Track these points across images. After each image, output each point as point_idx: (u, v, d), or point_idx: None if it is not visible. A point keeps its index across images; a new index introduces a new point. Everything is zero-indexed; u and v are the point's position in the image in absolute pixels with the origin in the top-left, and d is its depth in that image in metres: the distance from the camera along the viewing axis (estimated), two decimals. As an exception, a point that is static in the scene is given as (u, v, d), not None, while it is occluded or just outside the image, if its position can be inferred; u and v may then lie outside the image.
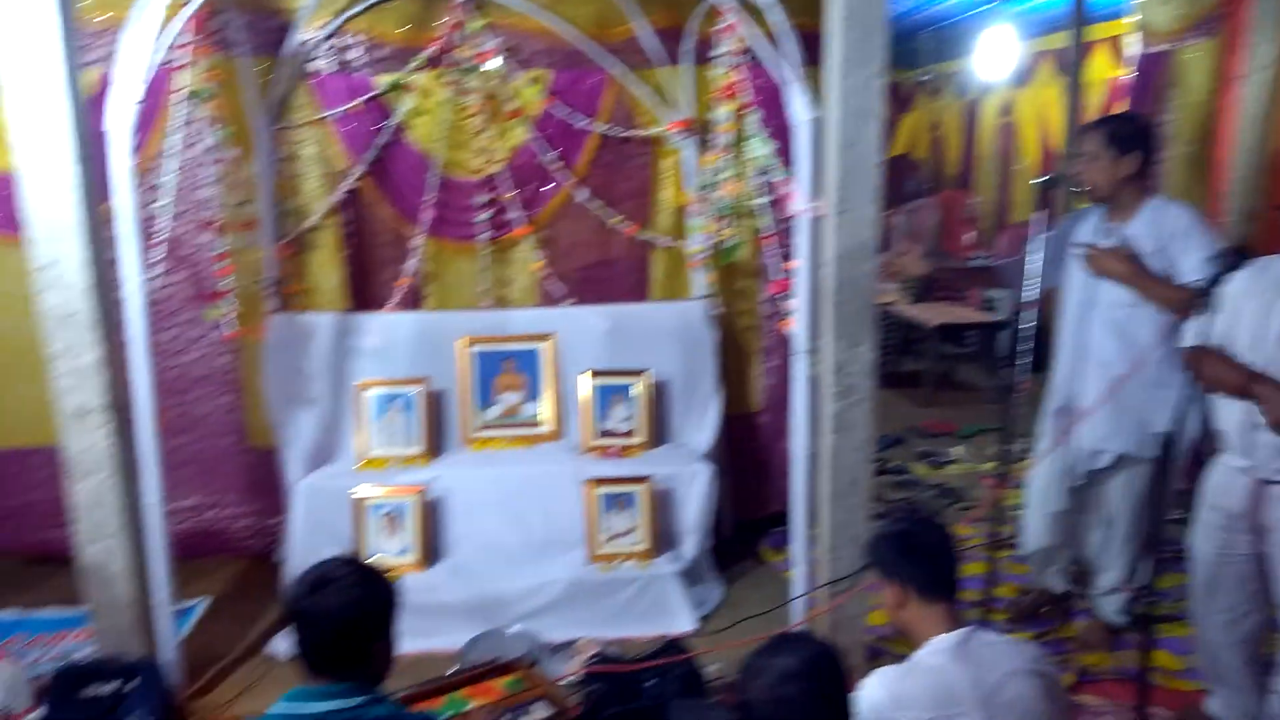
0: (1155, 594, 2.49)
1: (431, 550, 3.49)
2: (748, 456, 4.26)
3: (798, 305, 2.89)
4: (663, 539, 3.57)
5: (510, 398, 3.86)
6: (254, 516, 3.99)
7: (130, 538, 2.72)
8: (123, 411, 2.69)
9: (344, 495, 3.46)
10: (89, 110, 2.58)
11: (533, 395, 3.86)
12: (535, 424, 3.86)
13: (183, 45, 3.02)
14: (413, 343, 3.80)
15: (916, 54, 8.18)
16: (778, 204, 3.65)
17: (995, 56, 7.31)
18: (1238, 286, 2.42)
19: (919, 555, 1.95)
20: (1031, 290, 2.85)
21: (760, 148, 3.08)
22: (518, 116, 3.87)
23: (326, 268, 3.88)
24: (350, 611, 1.72)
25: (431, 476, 3.55)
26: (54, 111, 2.47)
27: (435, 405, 3.78)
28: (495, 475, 3.59)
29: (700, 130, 3.93)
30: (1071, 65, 4.48)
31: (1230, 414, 2.45)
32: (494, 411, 3.84)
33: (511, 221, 3.94)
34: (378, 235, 3.93)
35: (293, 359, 3.72)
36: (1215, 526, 2.54)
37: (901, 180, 9.64)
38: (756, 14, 3.03)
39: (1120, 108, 5.31)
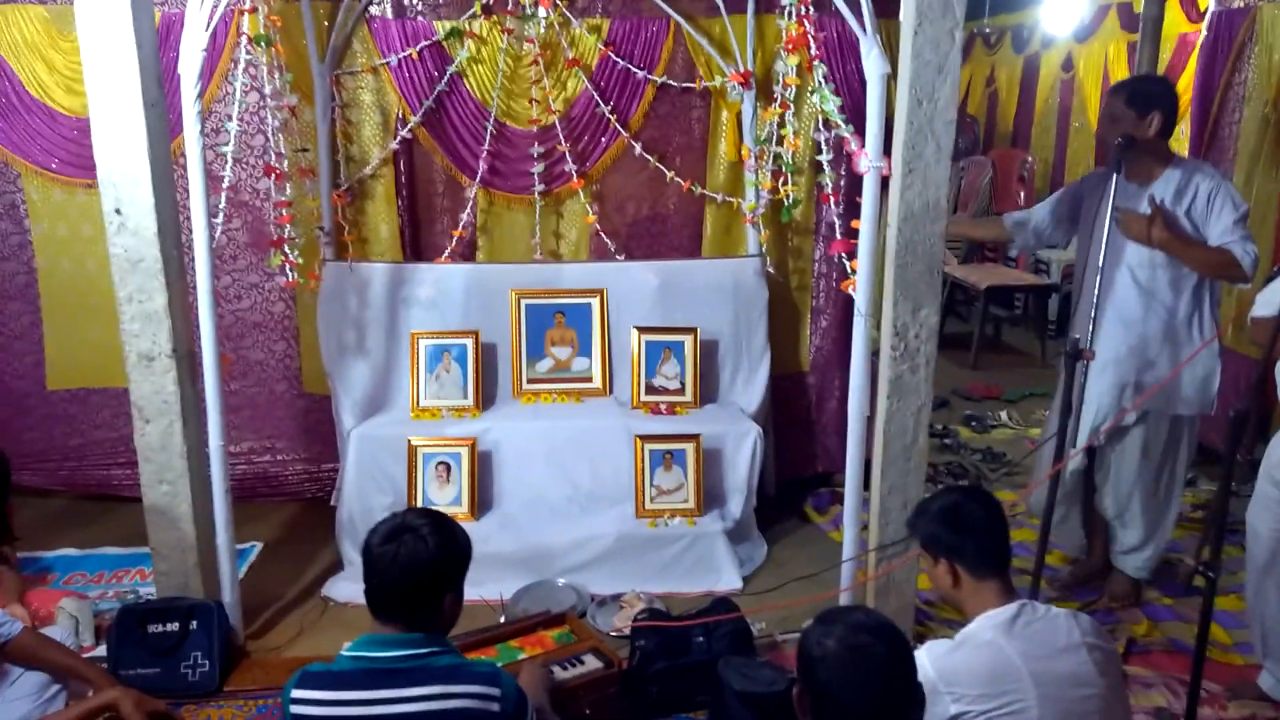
0: (1211, 566, 2.46)
1: (481, 501, 3.53)
2: (794, 416, 4.24)
3: (860, 266, 2.84)
4: (709, 497, 3.57)
5: (560, 351, 3.86)
6: (307, 462, 4.06)
7: (195, 481, 2.77)
8: (188, 357, 2.73)
9: (396, 443, 3.50)
10: (156, 54, 2.57)
11: (583, 350, 3.86)
12: (584, 378, 3.86)
13: (246, -12, 3.00)
14: (465, 294, 3.80)
15: (977, 4, 7.94)
16: (841, 161, 3.58)
17: (1060, 9, 7.06)
18: None
19: (968, 530, 1.91)
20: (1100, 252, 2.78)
21: (827, 102, 3.00)
22: (575, 65, 3.81)
23: (381, 217, 3.89)
24: (426, 562, 1.74)
25: (483, 428, 3.57)
26: (124, 56, 2.46)
27: (486, 357, 3.79)
28: (544, 428, 3.60)
29: (760, 83, 3.85)
30: (1151, 20, 4.29)
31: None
32: (544, 365, 3.85)
33: (566, 174, 3.90)
34: (432, 185, 3.92)
35: (346, 308, 3.74)
36: (1275, 501, 2.50)
37: (955, 136, 9.42)
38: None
39: (1191, 64, 5.13)
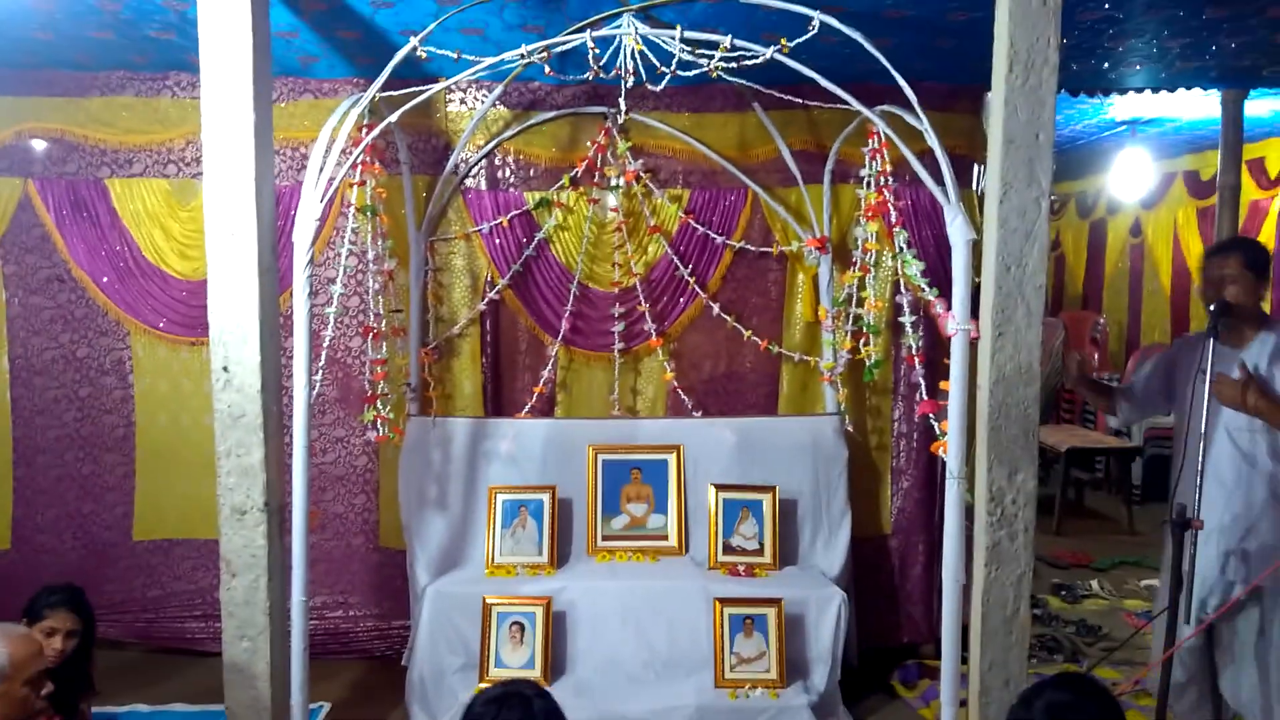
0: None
1: (554, 664, 3.42)
2: (876, 581, 4.10)
3: (950, 427, 2.79)
4: (792, 667, 3.41)
5: (636, 508, 3.82)
6: (378, 619, 4.01)
7: (275, 638, 2.75)
8: (279, 511, 2.76)
9: (470, 601, 3.44)
10: (274, 225, 2.74)
11: (659, 507, 3.82)
12: (660, 536, 3.80)
13: (357, 164, 3.21)
14: (543, 449, 3.83)
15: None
16: (925, 323, 3.60)
17: (1127, 177, 7.18)
18: None
19: None
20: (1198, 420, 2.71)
21: (910, 266, 3.05)
22: (656, 232, 3.96)
23: (466, 373, 3.99)
24: None
25: (558, 587, 3.51)
26: (244, 224, 2.63)
27: (562, 513, 3.77)
28: (620, 588, 3.52)
29: (835, 248, 3.94)
30: (1229, 188, 4.34)
31: None
32: (619, 522, 3.81)
33: (645, 333, 3.98)
34: (516, 343, 4.03)
35: (427, 462, 3.78)
36: None
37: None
38: (905, 136, 3.05)
39: (1267, 229, 5.12)
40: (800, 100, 3.54)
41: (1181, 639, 2.79)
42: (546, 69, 3.01)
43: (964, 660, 2.81)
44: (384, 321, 3.61)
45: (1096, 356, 8.12)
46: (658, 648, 3.45)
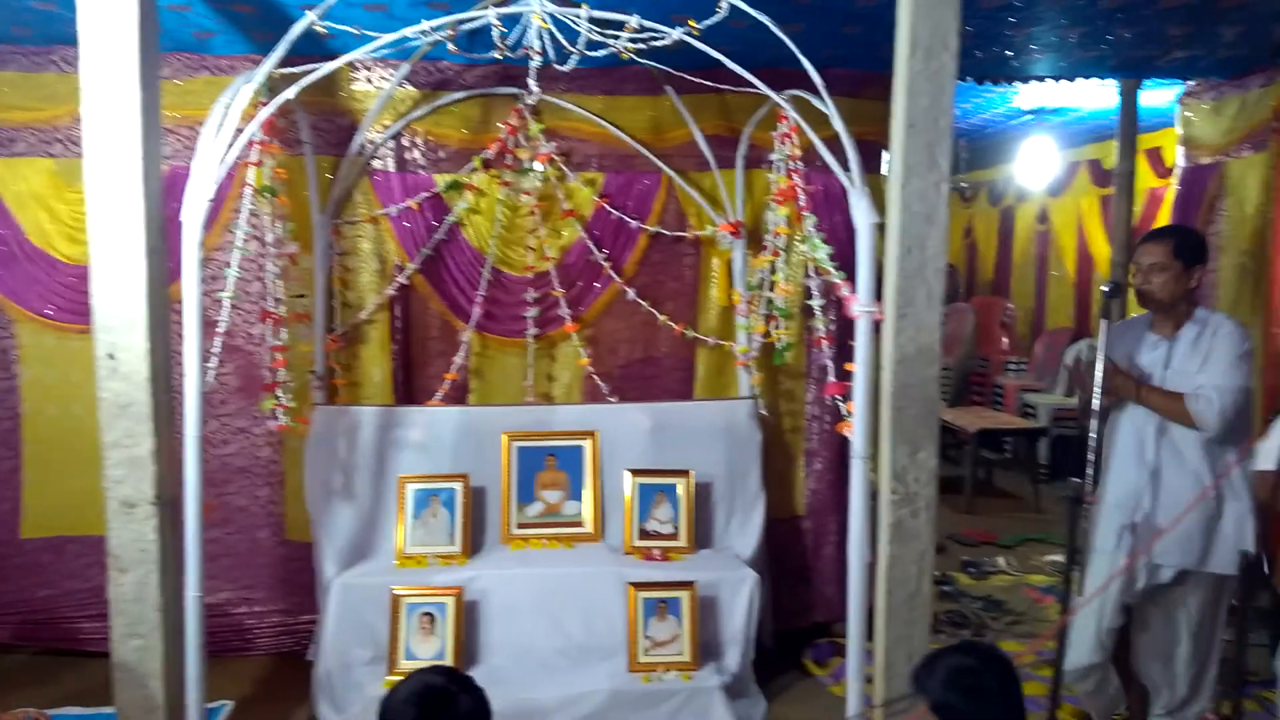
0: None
1: (467, 654, 3.38)
2: (790, 562, 4.14)
3: (855, 408, 2.83)
4: (705, 649, 3.43)
5: (551, 495, 3.79)
6: (284, 614, 3.90)
7: (168, 636, 2.64)
8: (171, 504, 2.65)
9: (380, 593, 3.37)
10: (160, 205, 2.62)
11: (574, 493, 3.79)
12: (575, 523, 3.78)
13: (254, 143, 3.09)
14: (456, 437, 3.76)
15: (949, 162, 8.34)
16: (834, 306, 3.65)
17: (1033, 165, 7.40)
18: None
19: (983, 699, 1.81)
20: (1096, 397, 2.79)
21: (819, 250, 3.08)
22: (571, 216, 3.92)
23: (374, 361, 3.89)
24: None
25: (470, 576, 3.46)
26: (130, 205, 2.50)
27: (475, 502, 3.72)
28: (534, 575, 3.49)
29: (749, 232, 3.96)
30: (1124, 175, 4.49)
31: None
32: (534, 509, 3.77)
33: (560, 318, 3.95)
34: (428, 329, 3.95)
35: (335, 452, 3.68)
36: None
37: (935, 284, 9.68)
38: (812, 121, 3.07)
39: (1162, 217, 5.33)
40: (713, 84, 3.53)
41: (1071, 610, 2.88)
42: (451, 47, 2.94)
43: (871, 637, 2.86)
44: (284, 307, 3.50)
45: (1006, 341, 8.37)
46: (572, 634, 3.43)
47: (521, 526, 3.74)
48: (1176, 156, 4.81)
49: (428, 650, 3.32)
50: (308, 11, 2.76)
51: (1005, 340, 8.34)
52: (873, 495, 2.85)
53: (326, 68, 2.80)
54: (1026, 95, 5.57)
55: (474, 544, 3.66)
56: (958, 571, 5.21)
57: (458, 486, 3.65)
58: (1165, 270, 2.90)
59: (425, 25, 2.78)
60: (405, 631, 3.32)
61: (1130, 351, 3.03)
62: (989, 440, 7.02)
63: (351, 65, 3.53)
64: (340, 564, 3.54)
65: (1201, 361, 2.88)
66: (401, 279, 3.85)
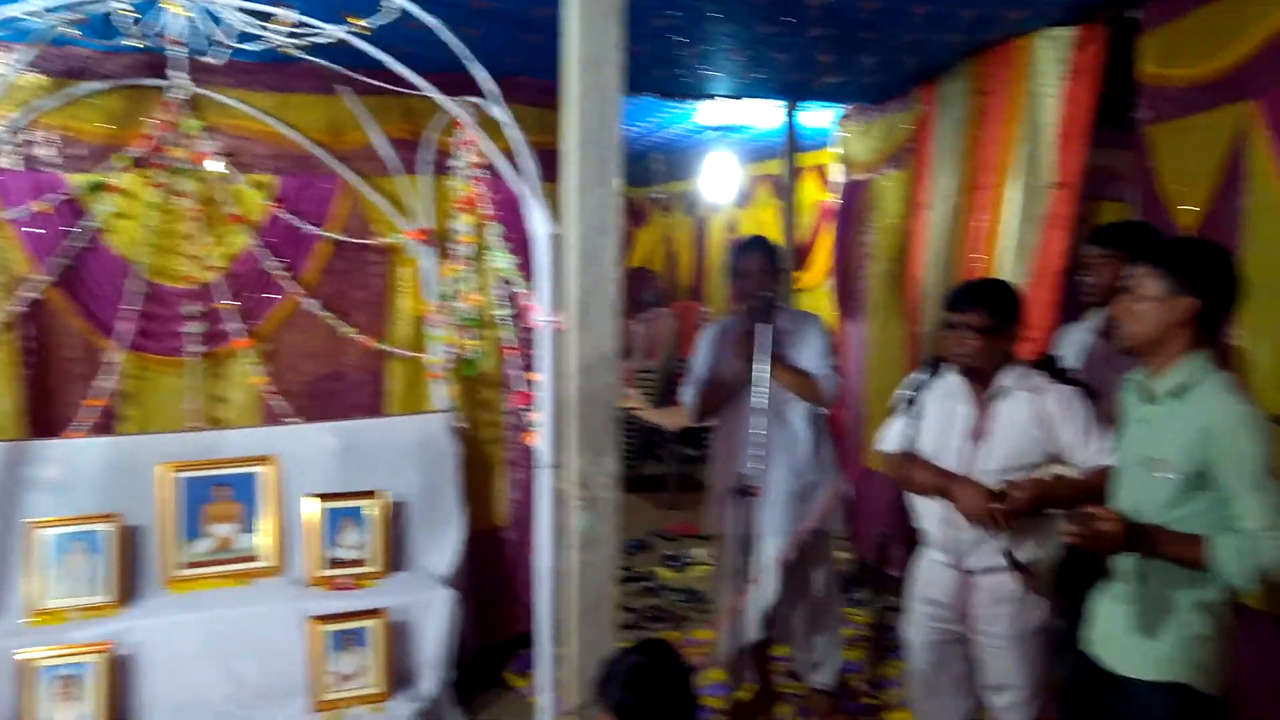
0: (873, 682, 2.60)
1: (119, 717, 2.98)
2: (493, 575, 4.08)
3: (541, 418, 2.83)
4: (399, 676, 3.28)
5: (223, 529, 3.45)
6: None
7: None
8: None
9: (5, 658, 2.89)
10: None
11: (251, 525, 3.48)
12: (252, 557, 3.46)
13: None
14: (103, 472, 3.30)
15: (649, 173, 8.71)
16: (520, 316, 3.63)
17: (718, 179, 7.88)
18: (926, 394, 2.64)
19: (655, 691, 1.89)
20: (760, 397, 2.99)
21: (501, 260, 3.04)
22: (239, 222, 3.60)
23: (1, 389, 3.34)
24: None
25: (122, 628, 3.05)
26: None
27: (129, 544, 3.29)
28: (201, 620, 3.15)
29: (439, 240, 3.85)
30: (786, 189, 4.89)
31: (930, 511, 2.64)
32: (203, 546, 3.41)
33: (228, 333, 3.61)
34: (65, 350, 3.45)
35: (-55, 497, 3.12)
36: (925, 617, 2.70)
37: (640, 291, 10.06)
38: (495, 129, 3.03)
39: (828, 228, 5.87)
40: (389, 86, 3.39)
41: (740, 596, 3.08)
42: (73, 31, 2.57)
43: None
44: None
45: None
46: (247, 680, 3.14)
47: (188, 566, 3.38)
48: (837, 173, 5.31)
49: (68, 717, 2.89)
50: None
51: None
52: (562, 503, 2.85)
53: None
54: (708, 112, 5.91)
55: (130, 591, 3.25)
56: (659, 566, 5.41)
57: (106, 528, 3.22)
58: (767, 274, 3.29)
59: (38, 5, 2.42)
60: (39, 701, 2.87)
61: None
62: (691, 438, 7.37)
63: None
64: (-45, 629, 3.00)
65: (803, 350, 3.29)
66: (32, 294, 3.34)
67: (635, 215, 10.74)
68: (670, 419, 7.12)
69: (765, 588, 3.27)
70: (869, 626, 4.29)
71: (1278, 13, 2.80)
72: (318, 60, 3.18)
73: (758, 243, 3.44)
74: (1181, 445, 1.92)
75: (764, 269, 3.28)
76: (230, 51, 2.56)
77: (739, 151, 7.59)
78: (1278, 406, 2.74)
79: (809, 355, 3.29)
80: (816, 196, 6.92)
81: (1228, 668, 2.01)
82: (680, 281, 9.87)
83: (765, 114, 5.66)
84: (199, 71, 3.38)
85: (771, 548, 3.27)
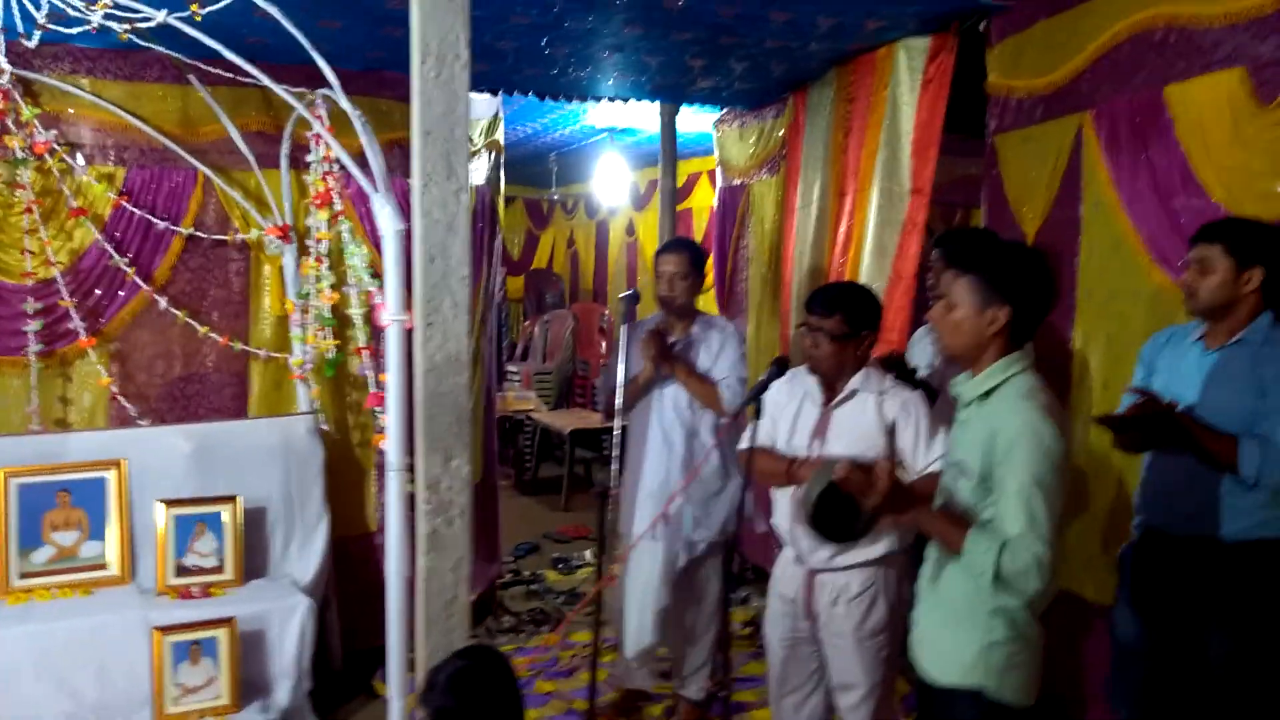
0: (723, 684, 2.62)
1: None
2: (362, 580, 3.98)
3: (389, 419, 2.77)
4: (251, 687, 3.17)
5: (65, 537, 3.28)
6: None
7: None
8: None
9: None
10: None
11: (95, 532, 3.32)
12: (97, 566, 3.31)
13: None
14: (-72, 479, 3.13)
15: (548, 174, 8.66)
16: (373, 315, 3.55)
17: (611, 182, 7.87)
18: (776, 392, 2.69)
19: (475, 696, 1.86)
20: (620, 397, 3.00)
21: (352, 257, 2.97)
22: (82, 215, 3.44)
23: None
24: None
25: (-57, 644, 2.88)
26: None
27: (-40, 553, 3.12)
28: (34, 633, 2.98)
29: (300, 237, 3.74)
30: (667, 192, 4.92)
31: (782, 510, 2.68)
32: (42, 555, 3.24)
33: (73, 331, 3.45)
34: (-118, 349, 3.25)
35: None
36: (780, 614, 2.73)
37: (543, 292, 10.02)
38: (346, 124, 2.95)
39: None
40: (247, 78, 3.28)
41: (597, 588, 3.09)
42: None
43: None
44: None
45: (605, 345, 8.85)
46: (85, 695, 2.99)
47: (25, 576, 3.21)
48: (717, 177, 5.36)
49: (-123, 743, 2.71)
50: None
51: (604, 345, 8.81)
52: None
53: None
54: (597, 114, 5.89)
55: (-44, 604, 3.07)
56: (548, 569, 5.37)
57: (-72, 537, 3.04)
58: (685, 278, 3.28)
59: None
60: None
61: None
62: (585, 439, 7.35)
63: None
64: None
65: (714, 358, 3.27)
66: None
67: (540, 217, 10.69)
68: (563, 420, 7.09)
69: (655, 592, 3.27)
70: (745, 624, 4.34)
71: (1112, 27, 2.94)
72: (159, 48, 3.07)
73: (676, 244, 3.44)
74: (977, 448, 1.92)
75: (679, 271, 3.27)
76: (42, 34, 2.43)
77: (633, 155, 7.60)
78: (1107, 406, 2.87)
79: (722, 363, 3.28)
80: (709, 199, 6.99)
81: (1036, 676, 1.97)
82: (583, 283, 9.87)
83: (654, 118, 5.67)
84: (43, 58, 3.22)
85: (646, 551, 3.27)
